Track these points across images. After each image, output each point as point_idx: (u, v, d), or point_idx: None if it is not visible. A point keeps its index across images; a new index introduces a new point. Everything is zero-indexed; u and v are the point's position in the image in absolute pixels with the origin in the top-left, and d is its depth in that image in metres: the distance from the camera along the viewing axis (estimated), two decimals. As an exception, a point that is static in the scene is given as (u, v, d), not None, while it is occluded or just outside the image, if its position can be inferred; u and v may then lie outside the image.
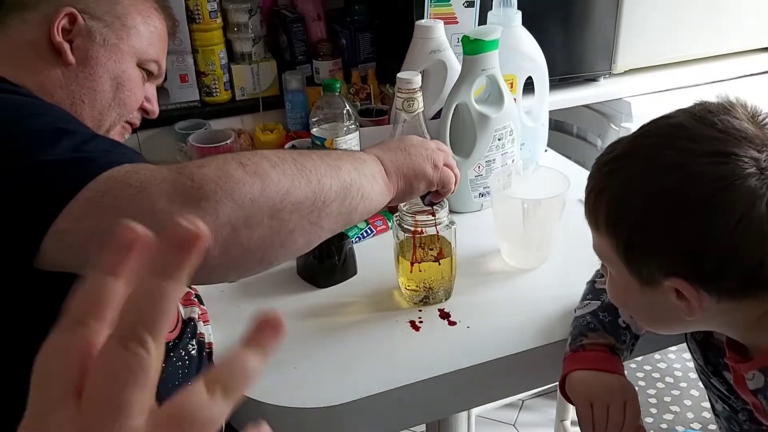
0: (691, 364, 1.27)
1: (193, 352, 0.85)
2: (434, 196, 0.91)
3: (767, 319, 0.68)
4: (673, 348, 1.28)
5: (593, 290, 0.90)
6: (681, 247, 0.64)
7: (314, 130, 1.22)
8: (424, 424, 1.34)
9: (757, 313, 0.68)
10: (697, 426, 1.15)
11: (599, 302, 0.87)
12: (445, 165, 0.88)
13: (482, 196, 1.21)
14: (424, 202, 0.93)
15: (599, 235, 0.71)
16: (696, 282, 0.65)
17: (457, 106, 1.15)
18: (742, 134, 0.63)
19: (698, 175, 0.62)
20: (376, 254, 1.08)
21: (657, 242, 0.65)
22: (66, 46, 0.83)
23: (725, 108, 0.65)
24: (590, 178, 0.71)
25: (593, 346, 0.83)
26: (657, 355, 1.30)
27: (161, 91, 1.42)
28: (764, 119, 0.65)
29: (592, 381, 0.81)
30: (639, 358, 1.29)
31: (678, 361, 1.29)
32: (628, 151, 0.68)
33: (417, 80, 1.09)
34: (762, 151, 0.62)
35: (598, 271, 0.92)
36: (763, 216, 0.61)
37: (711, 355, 0.80)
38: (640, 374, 1.27)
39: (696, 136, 0.64)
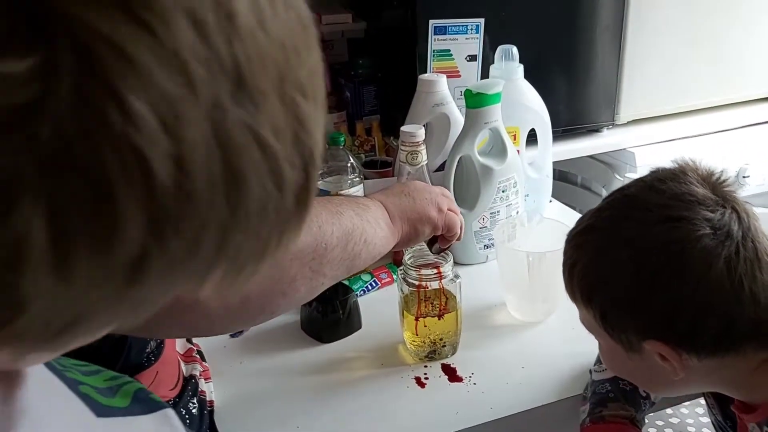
0: (705, 419, 1.24)
1: (194, 410, 0.83)
2: (441, 241, 0.90)
3: (758, 374, 0.67)
4: (686, 402, 1.25)
5: None
6: (651, 312, 0.65)
7: (318, 183, 1.22)
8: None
9: (746, 369, 0.67)
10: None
11: None
12: (450, 210, 0.87)
13: (487, 248, 1.20)
14: (432, 250, 0.92)
15: (578, 306, 0.72)
16: (672, 343, 0.65)
17: (460, 158, 1.15)
18: (692, 197, 0.64)
19: (653, 243, 0.64)
20: (380, 307, 1.06)
21: (628, 311, 0.66)
22: None
23: (675, 175, 0.67)
24: (564, 252, 0.73)
25: (614, 418, 0.82)
26: (669, 410, 1.27)
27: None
28: (718, 178, 0.67)
29: None
30: (651, 414, 1.26)
31: (691, 416, 1.26)
32: (591, 224, 0.70)
33: (420, 133, 1.10)
34: (715, 211, 0.63)
35: None
36: (722, 274, 0.62)
37: (730, 411, 0.78)
38: (652, 430, 1.24)
39: (649, 205, 0.65)
